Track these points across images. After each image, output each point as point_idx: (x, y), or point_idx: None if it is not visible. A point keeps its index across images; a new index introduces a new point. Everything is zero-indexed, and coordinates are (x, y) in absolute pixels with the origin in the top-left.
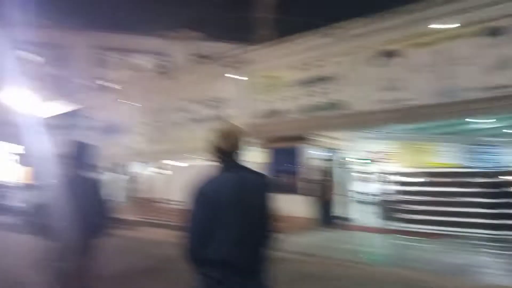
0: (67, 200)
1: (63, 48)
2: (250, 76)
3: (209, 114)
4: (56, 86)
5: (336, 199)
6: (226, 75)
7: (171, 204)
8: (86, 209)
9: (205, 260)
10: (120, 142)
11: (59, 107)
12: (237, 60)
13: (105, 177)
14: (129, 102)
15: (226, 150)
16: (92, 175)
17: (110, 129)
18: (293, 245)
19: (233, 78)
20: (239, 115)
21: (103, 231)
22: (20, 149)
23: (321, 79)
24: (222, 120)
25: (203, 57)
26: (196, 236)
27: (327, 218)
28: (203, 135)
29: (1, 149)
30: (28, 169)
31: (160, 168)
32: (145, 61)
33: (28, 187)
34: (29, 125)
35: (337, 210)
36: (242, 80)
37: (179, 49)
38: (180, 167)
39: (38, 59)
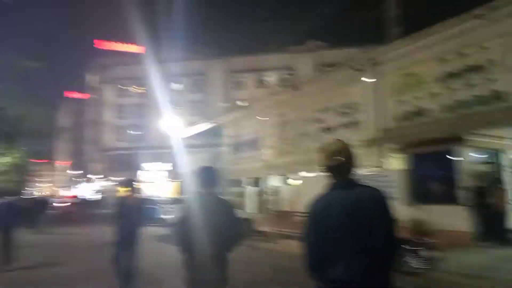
0: (199, 214)
1: (202, 75)
2: (385, 77)
3: (341, 122)
4: (197, 110)
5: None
6: (358, 79)
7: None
8: (217, 224)
9: (324, 278)
10: (255, 156)
11: (200, 127)
12: (369, 62)
13: (237, 192)
14: (261, 118)
15: (335, 168)
16: (220, 193)
17: (245, 145)
18: (453, 265)
19: (366, 81)
20: (373, 120)
21: (234, 244)
22: (169, 166)
23: (472, 69)
24: (332, 138)
25: (330, 66)
26: (313, 253)
27: (498, 233)
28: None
29: (156, 168)
30: (176, 183)
31: (294, 179)
32: (275, 77)
33: (175, 200)
34: (176, 145)
35: (510, 223)
36: (376, 82)
37: (305, 60)
38: (313, 178)
39: (182, 87)
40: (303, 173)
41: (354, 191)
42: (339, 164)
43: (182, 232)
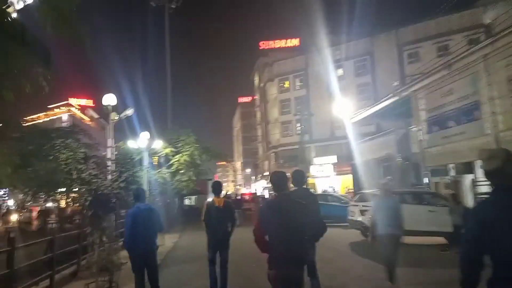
0: (284, 215)
1: (368, 55)
2: None
3: None
4: (365, 94)
5: None
6: None
7: None
8: (296, 224)
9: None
10: (468, 132)
11: (377, 107)
12: None
13: (444, 182)
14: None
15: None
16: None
17: (450, 118)
18: None
19: None
20: None
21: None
22: (336, 159)
23: None
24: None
25: None
26: (470, 255)
27: None
28: None
29: (326, 162)
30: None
31: None
32: (461, 40)
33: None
34: (348, 134)
35: None
36: None
37: (498, 12)
38: None
39: (347, 72)
40: None
41: None
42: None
43: (262, 231)
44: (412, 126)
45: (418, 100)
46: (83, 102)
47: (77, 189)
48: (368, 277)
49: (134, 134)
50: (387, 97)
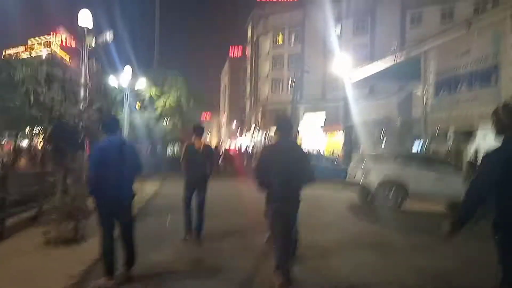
0: (278, 158)
1: (369, 15)
2: None
3: None
4: (362, 55)
5: None
6: None
7: None
8: (292, 167)
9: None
10: (479, 97)
11: (378, 67)
12: None
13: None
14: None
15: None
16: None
17: (461, 81)
18: None
19: None
20: None
21: (304, 185)
22: (324, 117)
23: None
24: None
25: None
26: (480, 192)
27: None
28: None
29: (316, 121)
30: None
31: None
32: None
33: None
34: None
35: None
36: None
37: None
38: None
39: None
40: None
41: None
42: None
43: (264, 172)
44: (417, 89)
45: (429, 61)
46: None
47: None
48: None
49: (115, 72)
50: (393, 56)
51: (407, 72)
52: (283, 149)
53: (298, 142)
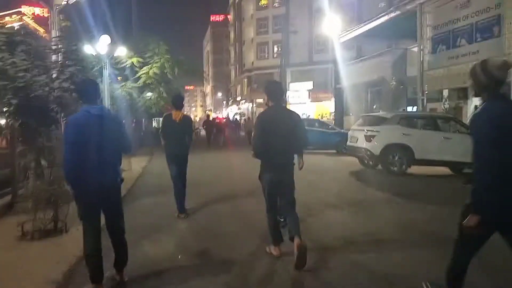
0: (273, 124)
1: None
2: None
3: None
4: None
5: None
6: None
7: None
8: (287, 133)
9: None
10: (480, 51)
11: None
12: None
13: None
14: None
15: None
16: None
17: (461, 36)
18: None
19: None
20: None
21: (300, 150)
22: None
23: None
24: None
25: None
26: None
27: None
28: None
29: (304, 88)
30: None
31: None
32: None
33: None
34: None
35: None
36: None
37: None
38: None
39: None
40: None
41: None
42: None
43: (261, 139)
44: (413, 46)
45: (425, 15)
46: (37, 11)
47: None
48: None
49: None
50: (386, 12)
51: (399, 29)
52: (277, 116)
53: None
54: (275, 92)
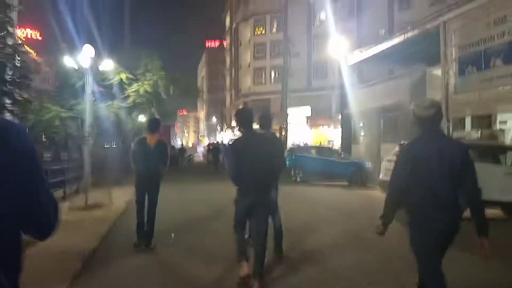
0: (250, 150)
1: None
2: None
3: None
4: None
5: None
6: None
7: None
8: (264, 159)
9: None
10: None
11: (383, 46)
12: None
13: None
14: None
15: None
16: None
17: (496, 55)
18: None
19: None
20: None
21: (277, 176)
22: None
23: None
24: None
25: None
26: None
27: None
28: None
29: (303, 114)
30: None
31: None
32: None
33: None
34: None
35: None
36: None
37: None
38: None
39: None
40: None
41: (442, 142)
42: (428, 115)
43: (236, 165)
44: (434, 67)
45: (450, 33)
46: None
47: None
48: None
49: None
50: (402, 32)
51: (410, 51)
52: (250, 141)
53: (283, 135)
54: (246, 119)
